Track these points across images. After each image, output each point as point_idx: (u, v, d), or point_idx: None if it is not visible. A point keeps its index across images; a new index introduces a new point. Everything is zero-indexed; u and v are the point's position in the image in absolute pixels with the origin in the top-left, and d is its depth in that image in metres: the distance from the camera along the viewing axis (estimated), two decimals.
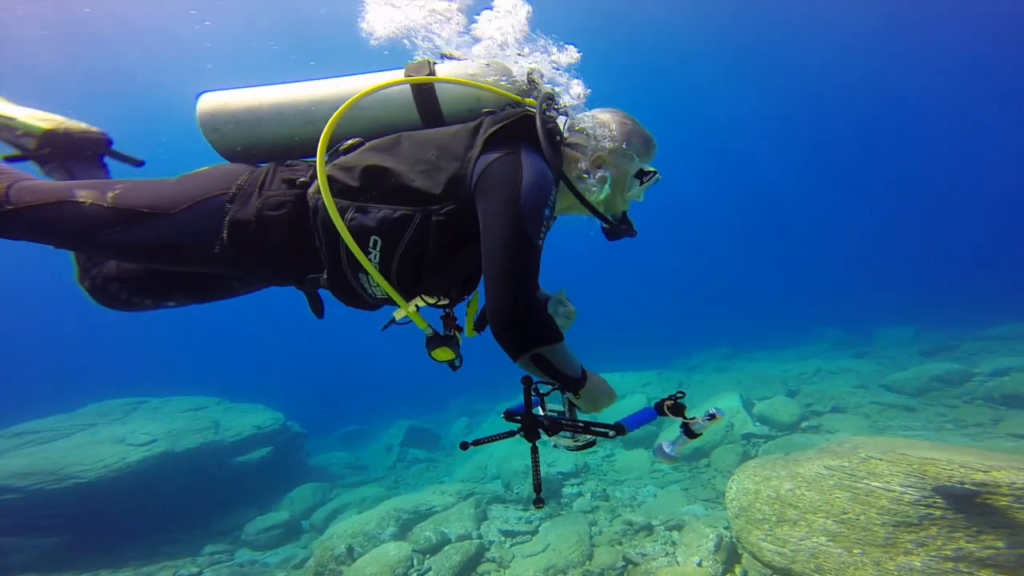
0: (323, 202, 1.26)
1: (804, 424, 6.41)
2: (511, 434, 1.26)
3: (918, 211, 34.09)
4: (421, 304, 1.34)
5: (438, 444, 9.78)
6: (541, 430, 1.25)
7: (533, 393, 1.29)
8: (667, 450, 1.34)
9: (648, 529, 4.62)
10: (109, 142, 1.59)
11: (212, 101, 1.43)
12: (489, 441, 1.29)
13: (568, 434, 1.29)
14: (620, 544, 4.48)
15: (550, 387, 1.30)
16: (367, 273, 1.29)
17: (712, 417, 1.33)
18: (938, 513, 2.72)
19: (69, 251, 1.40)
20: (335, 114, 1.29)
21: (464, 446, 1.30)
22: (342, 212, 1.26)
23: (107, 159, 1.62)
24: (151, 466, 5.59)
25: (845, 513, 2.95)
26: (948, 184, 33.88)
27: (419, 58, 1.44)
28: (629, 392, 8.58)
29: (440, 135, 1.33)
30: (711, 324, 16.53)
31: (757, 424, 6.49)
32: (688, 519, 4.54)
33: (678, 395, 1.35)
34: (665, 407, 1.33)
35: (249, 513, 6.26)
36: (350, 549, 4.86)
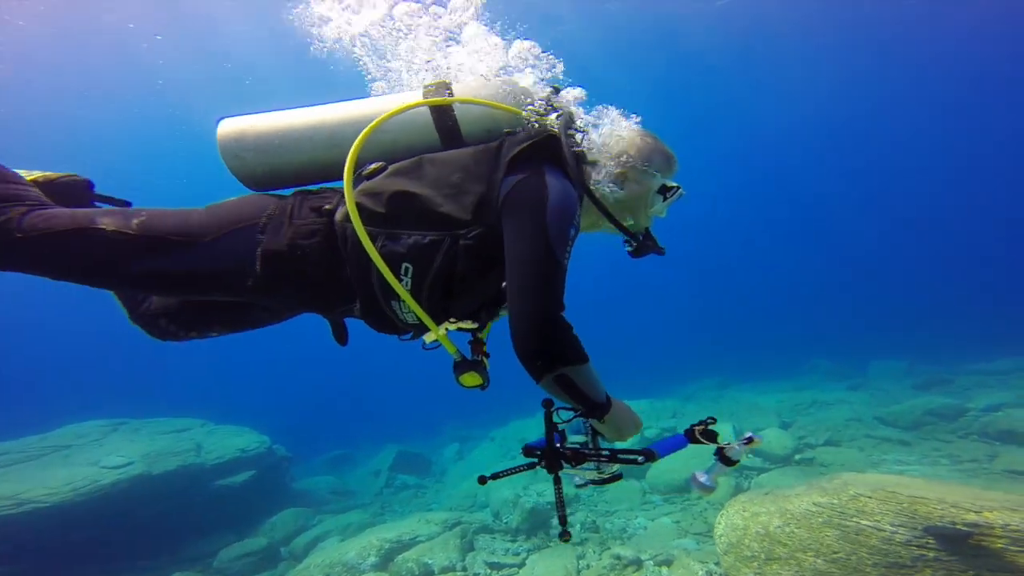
0: (352, 229, 1.26)
1: (797, 456, 6.31)
2: (532, 466, 1.22)
3: (913, 241, 34.43)
4: (451, 327, 1.32)
5: (428, 469, 9.56)
6: (564, 462, 1.21)
7: (554, 423, 1.25)
8: (703, 480, 1.26)
9: (637, 564, 4.47)
10: (90, 185, 1.56)
11: (232, 127, 1.42)
12: (508, 474, 1.26)
13: (593, 465, 1.24)
14: None
15: (571, 413, 1.26)
16: (400, 300, 1.29)
17: (749, 441, 1.26)
18: (931, 555, 2.65)
19: (89, 286, 1.33)
20: (359, 138, 1.30)
21: (482, 480, 1.28)
22: (372, 239, 1.25)
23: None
24: (123, 490, 5.40)
25: (835, 552, 2.87)
26: (946, 213, 34.35)
27: (437, 79, 1.46)
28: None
29: (462, 157, 1.34)
30: (704, 353, 16.44)
31: (750, 456, 6.38)
32: (678, 554, 4.40)
33: (709, 421, 1.31)
34: (696, 433, 1.27)
35: (226, 538, 6.03)
36: None
